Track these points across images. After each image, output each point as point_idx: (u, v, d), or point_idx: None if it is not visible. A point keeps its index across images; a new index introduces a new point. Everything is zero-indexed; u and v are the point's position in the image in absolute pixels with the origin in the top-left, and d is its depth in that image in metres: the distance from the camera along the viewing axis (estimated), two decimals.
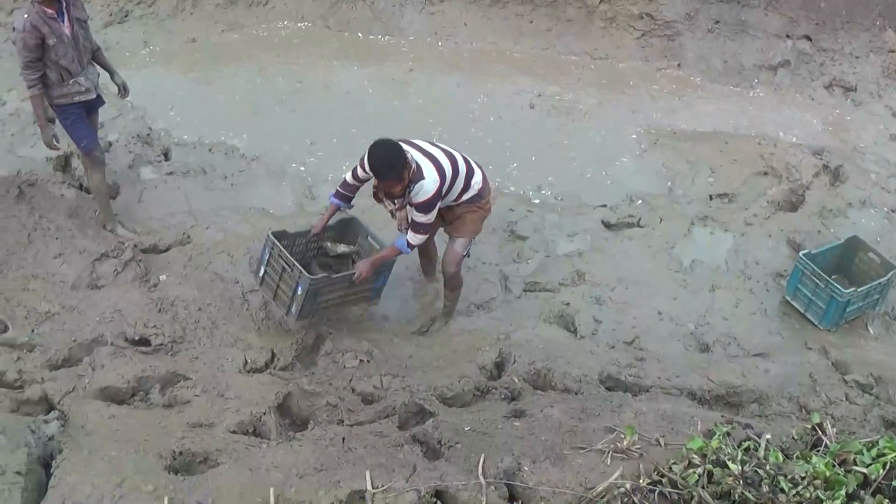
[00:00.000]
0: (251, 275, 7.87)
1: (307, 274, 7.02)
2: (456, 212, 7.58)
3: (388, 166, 6.79)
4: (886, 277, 8.63)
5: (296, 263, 7.07)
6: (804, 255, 8.68)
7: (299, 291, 7.04)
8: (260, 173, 9.75)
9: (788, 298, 8.90)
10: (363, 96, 11.05)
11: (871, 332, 8.82)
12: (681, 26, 12.42)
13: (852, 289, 8.47)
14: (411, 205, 7.06)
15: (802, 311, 8.79)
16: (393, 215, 7.44)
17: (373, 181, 7.17)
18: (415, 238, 7.22)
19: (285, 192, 9.58)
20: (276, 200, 9.42)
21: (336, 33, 12.26)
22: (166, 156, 9.86)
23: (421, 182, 6.91)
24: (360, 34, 12.27)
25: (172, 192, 9.22)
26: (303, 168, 9.92)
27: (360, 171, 7.25)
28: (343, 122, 10.55)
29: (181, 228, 8.75)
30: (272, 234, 7.27)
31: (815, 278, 8.55)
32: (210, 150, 9.94)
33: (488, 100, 11.29)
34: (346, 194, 7.53)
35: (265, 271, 7.39)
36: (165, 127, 10.26)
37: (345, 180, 7.42)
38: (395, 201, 7.21)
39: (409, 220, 7.19)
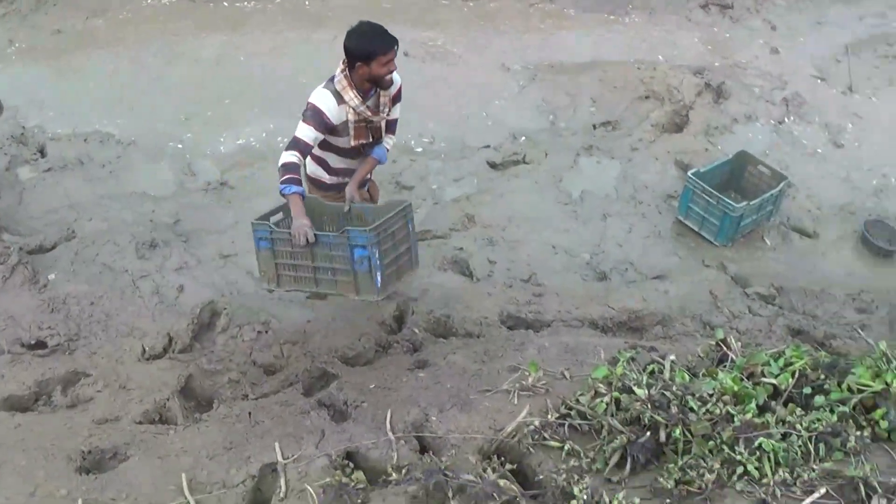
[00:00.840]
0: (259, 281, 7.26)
1: (257, 218, 6.37)
2: None
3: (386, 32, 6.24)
4: (778, 188, 8.85)
5: (275, 210, 6.47)
6: (693, 174, 8.81)
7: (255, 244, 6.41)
8: (137, 157, 9.44)
9: (681, 218, 9.06)
10: (234, 65, 10.75)
11: (768, 243, 9.05)
12: None
13: (744, 203, 8.65)
14: (392, 99, 6.67)
15: (697, 229, 8.96)
16: (367, 127, 6.65)
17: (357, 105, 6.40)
18: (392, 142, 6.92)
19: (164, 172, 9.28)
20: (156, 182, 9.12)
21: (201, 4, 11.88)
22: (42, 153, 9.47)
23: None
24: (225, 2, 11.96)
25: (52, 188, 8.88)
26: (180, 145, 9.61)
27: (311, 133, 6.37)
28: (216, 93, 10.26)
29: (65, 224, 8.42)
30: (256, 222, 6.40)
31: (706, 196, 8.70)
32: (85, 140, 9.57)
33: None
34: (340, 177, 6.87)
35: (276, 266, 6.47)
36: (39, 123, 9.82)
37: (293, 163, 6.28)
38: (385, 105, 6.61)
39: (386, 124, 6.76)
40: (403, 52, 10.73)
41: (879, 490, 4.97)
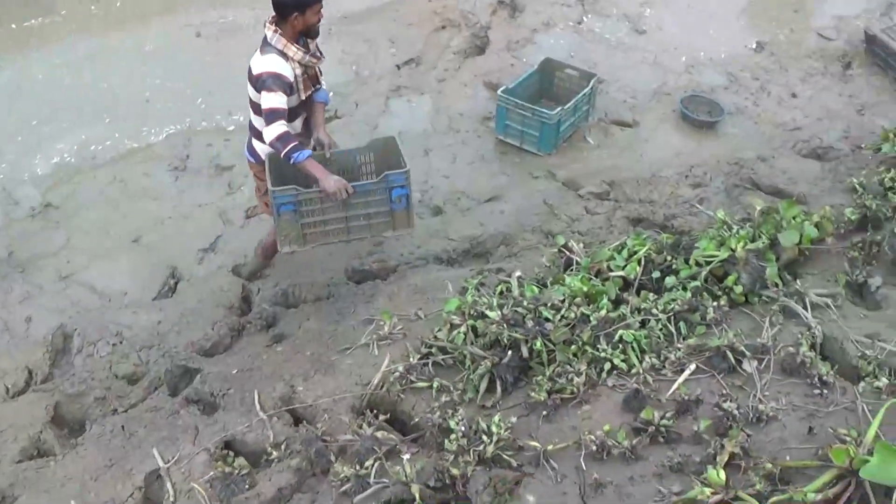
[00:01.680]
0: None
1: (271, 186, 6.34)
2: None
3: None
4: (589, 87, 8.95)
5: (268, 177, 6.44)
6: (503, 91, 8.82)
7: (274, 212, 6.46)
8: None
9: (501, 137, 9.06)
10: (33, 84, 10.18)
11: (592, 142, 9.11)
12: None
13: (559, 108, 8.68)
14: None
15: (518, 145, 8.97)
16: (309, 72, 6.57)
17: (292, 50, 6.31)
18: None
19: None
20: None
21: None
22: None
23: None
24: (13, 25, 11.32)
25: None
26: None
27: (283, 98, 6.28)
28: (20, 116, 9.63)
29: None
30: (277, 189, 6.35)
31: (520, 110, 8.72)
32: None
33: (155, 44, 10.74)
34: (300, 137, 6.58)
35: (303, 226, 6.52)
36: None
37: (287, 132, 6.26)
38: (317, 49, 6.63)
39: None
40: (196, 34, 10.52)
41: (748, 353, 5.09)
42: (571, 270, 6.33)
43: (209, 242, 8.11)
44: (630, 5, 11.22)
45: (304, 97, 6.57)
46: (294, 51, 6.29)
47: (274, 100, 6.20)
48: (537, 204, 8.26)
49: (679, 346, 5.31)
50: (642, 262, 6.04)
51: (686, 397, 4.83)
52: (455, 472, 4.57)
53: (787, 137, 9.23)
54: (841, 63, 10.49)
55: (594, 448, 4.56)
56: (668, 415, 4.71)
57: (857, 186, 7.21)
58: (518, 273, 6.29)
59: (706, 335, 5.40)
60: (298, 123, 6.71)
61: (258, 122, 6.47)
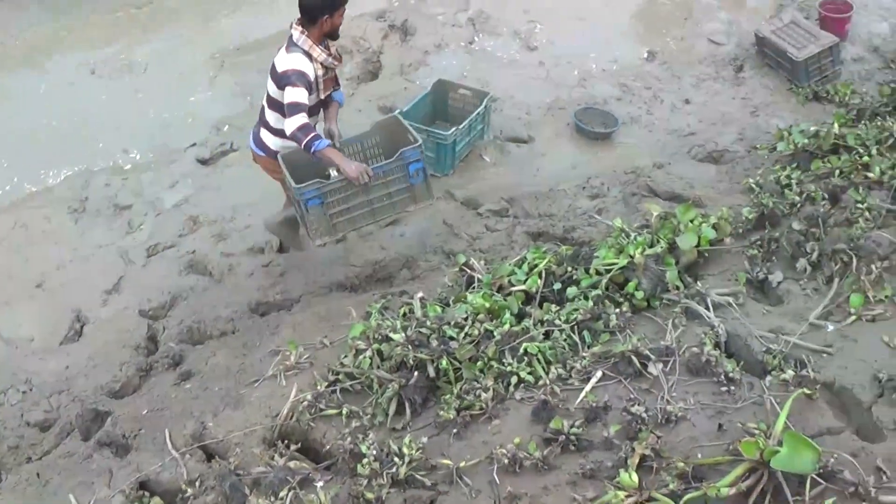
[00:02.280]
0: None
1: (297, 186, 6.68)
2: None
3: None
4: (482, 106, 9.03)
5: (288, 176, 6.80)
6: (397, 114, 8.76)
7: (303, 209, 6.82)
8: None
9: None
10: None
11: (488, 160, 9.19)
12: None
13: (453, 129, 8.72)
14: None
15: None
16: (329, 73, 7.03)
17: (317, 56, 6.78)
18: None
19: None
20: None
21: None
22: None
23: None
24: None
25: None
26: None
27: (305, 94, 6.69)
28: None
29: None
30: (301, 186, 6.69)
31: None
32: None
33: (50, 84, 10.62)
34: (317, 132, 6.77)
35: (331, 217, 6.88)
36: None
37: (307, 124, 6.62)
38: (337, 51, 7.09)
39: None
40: (90, 72, 10.42)
41: (653, 357, 5.16)
42: (473, 288, 6.38)
43: (112, 283, 8.05)
44: (520, 23, 11.34)
45: (322, 97, 7.02)
46: (318, 52, 6.75)
47: (297, 94, 6.61)
48: (438, 224, 8.31)
49: (584, 354, 5.38)
50: (543, 275, 6.13)
51: (594, 404, 4.88)
52: (370, 496, 4.60)
53: (683, 143, 9.44)
54: (733, 67, 10.77)
55: (506, 461, 4.58)
56: (577, 423, 4.75)
57: (754, 186, 7.39)
58: (420, 294, 6.36)
59: (610, 342, 5.47)
60: (313, 122, 6.95)
61: (272, 116, 7.01)
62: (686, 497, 4.00)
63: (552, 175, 8.93)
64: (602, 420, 4.83)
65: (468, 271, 6.65)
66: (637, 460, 4.34)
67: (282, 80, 6.69)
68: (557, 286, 6.05)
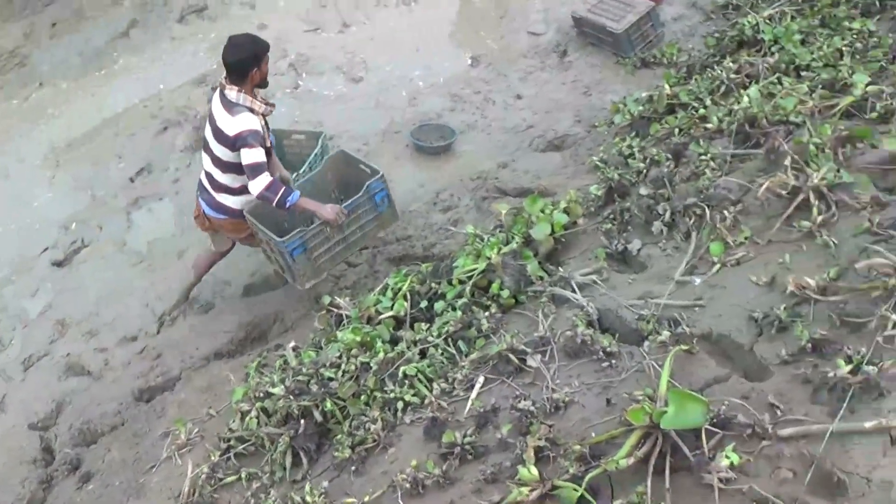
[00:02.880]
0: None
1: (276, 238, 7.02)
2: None
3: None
4: (318, 146, 8.99)
5: (267, 232, 7.11)
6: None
7: (287, 258, 7.10)
8: None
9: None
10: None
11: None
12: None
13: (294, 174, 8.58)
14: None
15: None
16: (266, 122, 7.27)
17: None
18: None
19: None
20: None
21: None
22: None
23: None
24: None
25: None
26: None
27: (262, 152, 6.87)
28: None
29: None
30: (247, 211, 7.25)
31: None
32: None
33: None
34: (285, 186, 6.99)
35: (315, 259, 7.26)
36: None
37: (274, 180, 6.86)
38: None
39: None
40: None
41: (529, 350, 5.21)
42: (343, 326, 6.38)
43: None
44: (341, 57, 11.40)
45: (268, 145, 7.16)
46: (259, 105, 6.96)
47: (255, 154, 6.77)
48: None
49: (463, 364, 5.43)
50: (408, 297, 6.20)
51: (482, 409, 4.92)
52: None
53: (523, 138, 9.57)
54: (556, 53, 10.95)
55: (408, 486, 4.60)
56: (469, 432, 4.79)
57: (599, 163, 7.52)
58: (292, 343, 6.40)
59: (486, 346, 5.53)
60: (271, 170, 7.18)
61: (228, 178, 7.14)
62: (588, 477, 4.03)
63: (402, 198, 8.91)
64: (493, 423, 4.86)
65: (336, 310, 6.69)
66: (533, 453, 4.37)
67: (237, 143, 6.80)
68: (424, 304, 6.12)
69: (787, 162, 5.87)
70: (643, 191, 6.38)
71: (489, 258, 5.98)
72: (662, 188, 6.34)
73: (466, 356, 5.50)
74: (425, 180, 9.27)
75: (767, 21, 9.39)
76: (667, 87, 8.37)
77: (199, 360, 7.67)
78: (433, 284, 6.19)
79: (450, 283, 6.10)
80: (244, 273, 8.60)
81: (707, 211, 5.89)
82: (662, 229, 6.05)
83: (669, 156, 7.04)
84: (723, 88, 8.01)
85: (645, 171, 6.95)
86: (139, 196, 9.75)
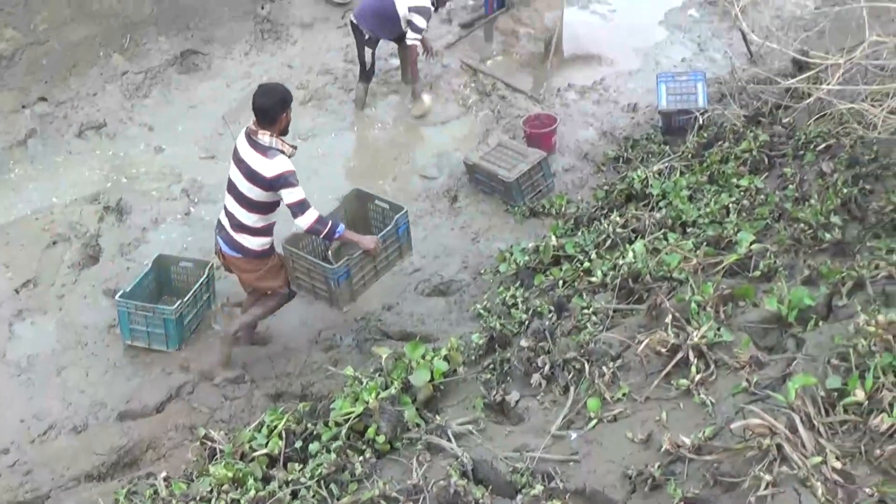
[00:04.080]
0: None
1: (326, 265, 7.97)
2: None
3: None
4: (205, 275, 9.06)
5: (315, 260, 8.08)
6: (120, 296, 8.72)
7: (333, 285, 7.95)
8: None
9: (129, 342, 8.91)
10: None
11: (218, 328, 8.94)
12: None
13: (178, 302, 8.65)
14: None
15: (147, 345, 8.84)
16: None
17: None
18: None
19: None
20: None
21: None
22: None
23: None
24: None
25: None
26: None
27: (296, 177, 7.58)
28: None
29: None
30: (285, 243, 8.13)
31: (141, 311, 8.65)
32: None
33: None
34: (332, 220, 7.87)
35: (297, 277, 8.25)
36: None
37: (321, 215, 7.71)
38: None
39: None
40: None
41: (401, 498, 5.15)
42: (216, 460, 6.24)
43: None
44: None
45: None
46: (288, 147, 7.61)
47: (299, 192, 7.52)
48: (179, 401, 8.21)
49: None
50: (284, 436, 6.08)
51: None
52: None
53: (409, 281, 9.56)
54: (447, 198, 11.01)
55: None
56: None
57: (482, 311, 7.51)
58: (164, 474, 6.27)
59: (358, 491, 5.42)
60: None
61: (251, 218, 7.72)
62: None
63: (284, 335, 8.94)
64: None
65: (210, 443, 6.53)
66: None
67: (276, 184, 7.44)
68: (299, 444, 6.01)
69: (668, 319, 5.93)
70: (523, 342, 6.36)
71: (367, 402, 5.90)
72: (543, 341, 6.34)
73: (338, 500, 5.38)
74: (308, 318, 9.20)
75: (657, 176, 9.61)
76: (553, 238, 8.46)
77: (70, 481, 7.43)
78: (309, 424, 6.10)
79: (326, 424, 6.01)
80: (121, 397, 8.40)
81: (586, 366, 5.90)
82: (541, 382, 6.02)
83: (552, 308, 7.07)
84: (608, 242, 8.12)
85: (527, 322, 6.97)
86: (23, 308, 9.54)
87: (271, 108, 7.40)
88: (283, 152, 7.47)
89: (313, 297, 8.38)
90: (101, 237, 10.49)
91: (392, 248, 8.30)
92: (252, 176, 7.46)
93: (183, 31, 13.70)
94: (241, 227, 7.77)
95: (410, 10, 11.79)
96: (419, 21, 11.84)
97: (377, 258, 8.16)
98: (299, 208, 7.50)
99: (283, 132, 7.58)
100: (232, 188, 7.71)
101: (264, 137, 7.41)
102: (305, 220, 7.53)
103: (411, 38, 12.04)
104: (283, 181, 7.42)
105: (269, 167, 7.38)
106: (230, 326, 8.41)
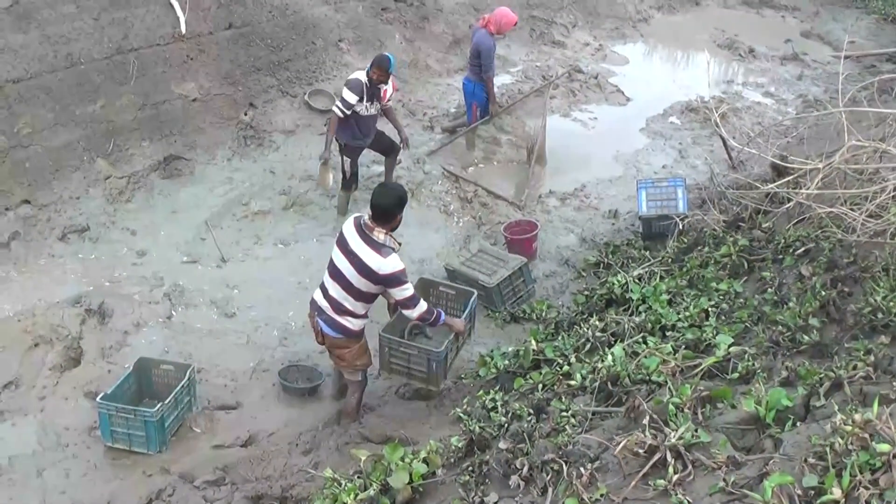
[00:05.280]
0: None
1: (435, 350, 8.72)
2: None
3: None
4: (186, 378, 9.04)
5: (419, 346, 8.95)
6: (101, 398, 8.72)
7: (434, 367, 8.75)
8: None
9: (109, 444, 8.88)
10: None
11: (199, 430, 9.08)
12: None
13: (159, 404, 8.62)
14: None
15: (128, 448, 8.81)
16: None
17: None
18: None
19: None
20: None
21: None
22: None
23: None
24: None
25: None
26: None
27: (407, 274, 8.21)
28: None
29: None
30: (383, 332, 9.00)
31: (122, 414, 8.63)
32: None
33: None
34: (437, 309, 8.74)
35: (391, 362, 9.03)
36: None
37: (430, 306, 8.52)
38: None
39: None
40: None
41: None
42: None
43: None
44: (217, 292, 11.44)
45: None
46: (397, 245, 8.12)
47: (409, 288, 8.16)
48: (156, 502, 8.13)
49: None
50: None
51: None
52: None
53: (390, 384, 9.63)
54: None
55: None
56: None
57: (462, 415, 7.49)
58: None
59: None
60: None
61: (358, 306, 8.29)
62: None
63: (264, 437, 8.93)
64: None
65: None
66: None
67: (388, 282, 8.01)
68: None
69: (646, 421, 5.95)
70: (502, 444, 6.34)
71: (345, 503, 5.88)
72: (522, 443, 6.33)
73: None
74: (290, 420, 9.22)
75: (637, 280, 9.72)
76: (533, 342, 8.51)
77: None
78: None
79: None
80: (101, 499, 8.34)
81: (564, 467, 5.89)
82: (520, 483, 5.98)
83: (531, 411, 7.07)
84: (588, 346, 8.17)
85: (506, 424, 6.96)
86: (4, 409, 9.50)
87: (389, 207, 7.91)
88: (394, 250, 7.98)
89: (406, 380, 9.19)
90: (83, 339, 10.50)
91: (420, 364, 8.82)
92: (364, 270, 7.92)
93: (166, 136, 13.99)
94: (344, 312, 8.28)
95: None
96: (346, 94, 12.13)
97: (460, 339, 9.05)
98: (412, 302, 8.20)
99: (394, 229, 8.07)
100: (338, 277, 8.18)
101: (380, 235, 7.91)
102: (417, 312, 8.26)
103: (336, 107, 12.35)
104: (396, 280, 7.98)
105: (383, 265, 7.86)
106: (349, 410, 9.07)
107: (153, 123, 13.92)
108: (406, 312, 8.31)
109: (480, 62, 14.47)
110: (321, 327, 8.45)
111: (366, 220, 7.98)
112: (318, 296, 8.49)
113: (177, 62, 14.44)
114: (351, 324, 8.34)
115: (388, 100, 12.65)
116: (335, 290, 8.24)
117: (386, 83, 12.26)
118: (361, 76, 12.12)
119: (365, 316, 8.43)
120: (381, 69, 11.98)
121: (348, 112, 12.17)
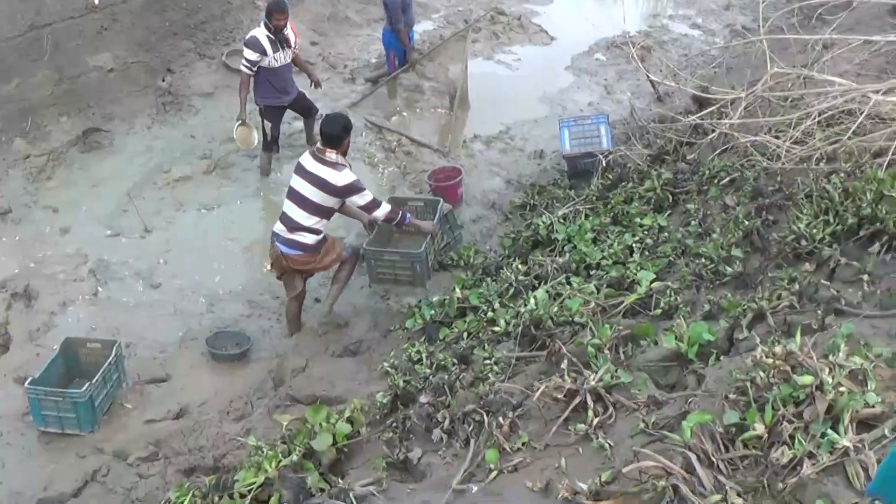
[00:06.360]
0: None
1: (416, 251, 9.62)
2: None
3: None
4: (113, 355, 8.91)
5: (404, 250, 9.91)
6: (29, 383, 8.59)
7: (418, 268, 9.67)
8: None
9: (42, 428, 8.75)
10: None
11: (130, 406, 9.00)
12: None
13: (87, 384, 8.52)
14: None
15: (61, 431, 8.70)
16: None
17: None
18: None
19: None
20: None
21: None
22: None
23: None
24: None
25: None
26: None
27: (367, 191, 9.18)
28: None
29: None
30: (367, 246, 9.87)
31: (51, 397, 8.52)
32: None
33: None
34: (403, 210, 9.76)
35: (378, 273, 9.96)
36: None
37: (393, 207, 9.55)
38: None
39: None
40: None
41: None
42: None
43: None
44: (142, 263, 11.30)
45: None
46: (347, 164, 9.09)
47: (368, 194, 9.12)
48: (90, 485, 8.04)
49: None
50: None
51: None
52: None
53: (319, 343, 9.57)
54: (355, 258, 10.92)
55: None
56: None
57: (389, 369, 7.47)
58: None
59: None
60: None
61: (313, 221, 9.07)
62: None
63: (195, 407, 8.88)
64: None
65: None
66: None
67: (347, 192, 8.95)
68: None
69: (565, 364, 5.94)
70: (423, 399, 6.34)
71: (267, 471, 5.84)
72: (443, 395, 6.32)
73: None
74: (220, 389, 9.15)
75: (561, 220, 9.67)
76: (458, 290, 8.49)
77: None
78: (215, 499, 5.99)
79: (231, 496, 5.90)
80: (38, 485, 8.20)
81: (485, 417, 5.87)
82: (442, 437, 5.98)
83: (456, 360, 7.07)
84: (512, 290, 8.15)
85: (432, 376, 6.94)
86: None
87: (337, 132, 8.90)
88: (347, 166, 8.94)
89: (393, 285, 10.17)
90: (10, 325, 10.32)
91: (405, 267, 9.75)
92: (323, 185, 8.84)
93: (84, 109, 13.81)
94: (297, 228, 9.05)
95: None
96: (246, 54, 12.13)
97: (434, 240, 9.97)
98: (374, 205, 9.14)
99: (344, 153, 9.03)
100: (295, 196, 9.02)
101: (331, 155, 8.89)
102: (383, 212, 9.21)
103: (241, 65, 12.37)
104: (354, 188, 8.92)
105: (340, 178, 8.83)
106: (328, 302, 9.88)
107: (70, 98, 13.73)
108: (374, 215, 9.26)
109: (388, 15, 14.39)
110: (280, 249, 9.19)
111: (318, 146, 8.94)
112: (277, 224, 9.24)
113: (91, 34, 14.21)
114: (305, 238, 9.07)
115: (295, 46, 12.48)
116: (291, 209, 9.04)
117: (286, 27, 12.08)
118: (258, 32, 12.00)
119: (319, 232, 9.15)
120: (281, 12, 11.88)
121: (254, 69, 12.12)
